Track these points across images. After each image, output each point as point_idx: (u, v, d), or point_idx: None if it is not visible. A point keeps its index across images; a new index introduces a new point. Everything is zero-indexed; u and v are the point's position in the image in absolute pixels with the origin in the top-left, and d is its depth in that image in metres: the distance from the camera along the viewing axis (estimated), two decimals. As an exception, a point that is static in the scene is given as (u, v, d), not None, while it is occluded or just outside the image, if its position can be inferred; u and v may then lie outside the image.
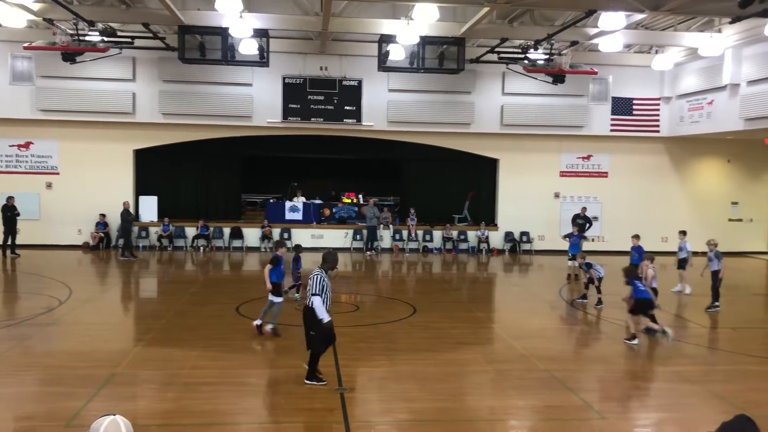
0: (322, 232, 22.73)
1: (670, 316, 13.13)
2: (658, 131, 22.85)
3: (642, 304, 10.78)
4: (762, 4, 12.80)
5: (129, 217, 20.26)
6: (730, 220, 23.86)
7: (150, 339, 10.57)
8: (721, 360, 10.30)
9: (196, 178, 23.46)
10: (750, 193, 23.93)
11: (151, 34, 18.54)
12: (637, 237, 15.60)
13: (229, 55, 18.35)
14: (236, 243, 22.28)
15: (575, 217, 21.77)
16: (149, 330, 11.16)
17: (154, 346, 10.15)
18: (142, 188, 22.56)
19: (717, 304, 13.68)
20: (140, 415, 7.24)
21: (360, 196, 23.98)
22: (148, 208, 22.37)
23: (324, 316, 8.08)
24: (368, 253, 21.85)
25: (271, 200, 24.10)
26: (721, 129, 20.05)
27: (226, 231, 22.35)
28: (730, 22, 15.54)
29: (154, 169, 22.71)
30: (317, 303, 8.07)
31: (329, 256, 8.51)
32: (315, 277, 8.21)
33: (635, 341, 10.73)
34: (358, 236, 22.43)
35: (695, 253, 16.03)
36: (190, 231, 22.22)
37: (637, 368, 9.82)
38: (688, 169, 23.72)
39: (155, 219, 22.28)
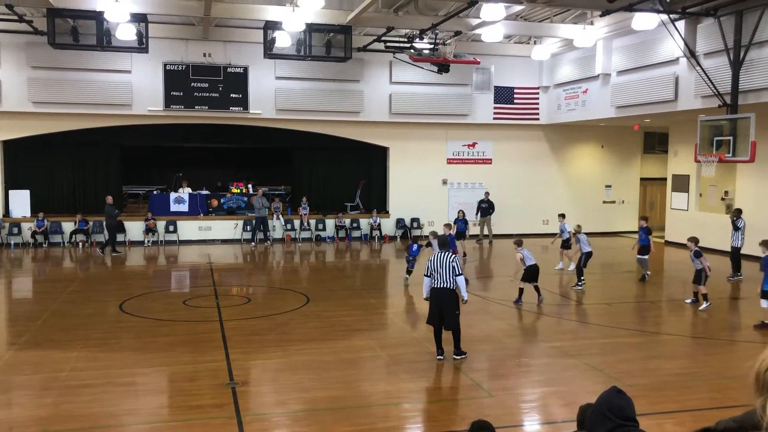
0: (210, 223, 22.13)
1: (553, 295, 13.82)
2: (537, 119, 23.88)
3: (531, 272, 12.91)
4: (628, -2, 13.63)
5: (114, 213, 19.41)
6: (604, 202, 25.36)
7: (24, 342, 9.91)
8: (597, 334, 10.95)
9: (73, 171, 22.15)
10: (622, 176, 25.54)
11: (16, 17, 17.23)
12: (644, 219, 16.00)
13: (104, 41, 17.39)
14: (118, 237, 21.24)
15: (480, 203, 22.74)
16: (23, 332, 10.45)
17: (29, 350, 9.53)
18: (11, 182, 21.04)
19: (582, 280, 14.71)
20: (15, 423, 6.78)
21: (249, 185, 23.51)
22: (20, 203, 20.90)
23: (465, 294, 9.30)
24: (253, 244, 21.46)
25: (155, 192, 23.17)
26: (595, 116, 21.25)
27: (108, 225, 21.26)
28: (601, 15, 16.43)
29: (24, 161, 21.22)
30: (463, 282, 9.14)
31: (447, 240, 10.02)
32: (456, 260, 9.05)
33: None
34: (248, 227, 22.00)
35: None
36: (68, 226, 20.96)
37: (522, 346, 10.28)
38: (566, 154, 24.96)
39: (28, 214, 20.86)
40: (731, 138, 15.22)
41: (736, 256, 15.67)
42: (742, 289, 14.85)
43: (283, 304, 12.72)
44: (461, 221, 18.92)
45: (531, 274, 13.01)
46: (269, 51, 18.52)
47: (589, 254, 14.79)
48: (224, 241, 21.87)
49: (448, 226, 14.70)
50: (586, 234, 15.38)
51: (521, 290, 13.00)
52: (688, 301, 13.09)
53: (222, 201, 22.76)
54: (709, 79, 15.88)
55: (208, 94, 20.76)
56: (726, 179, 19.72)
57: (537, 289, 12.99)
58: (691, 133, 17.68)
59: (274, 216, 22.27)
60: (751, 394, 2.00)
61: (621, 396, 2.53)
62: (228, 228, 22.17)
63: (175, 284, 16.25)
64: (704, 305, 12.57)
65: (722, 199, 20.24)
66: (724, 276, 15.60)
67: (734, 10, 15.39)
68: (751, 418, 1.98)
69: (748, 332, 11.09)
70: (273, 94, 21.27)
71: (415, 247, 15.40)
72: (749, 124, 14.66)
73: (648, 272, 15.53)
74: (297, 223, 22.66)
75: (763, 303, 11.11)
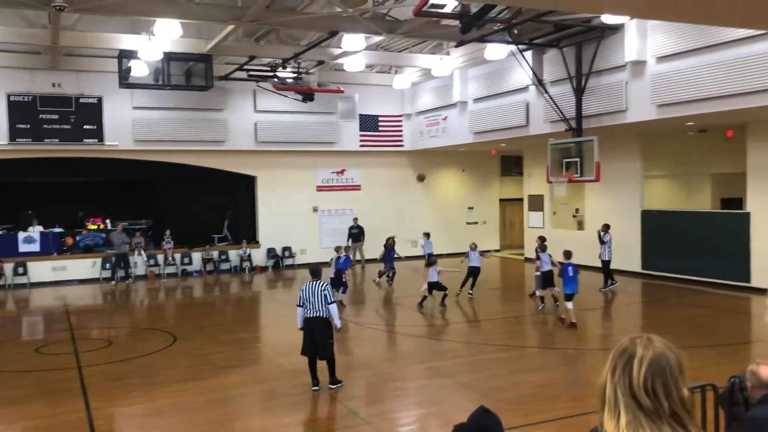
0: (64, 263, 20.65)
1: (424, 316, 14.13)
2: (402, 145, 24.55)
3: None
4: (479, 30, 14.40)
5: None
6: (467, 223, 26.37)
7: None
8: (468, 352, 11.30)
9: None
10: (482, 198, 26.74)
11: None
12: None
13: (-64, 69, 15.94)
14: (-42, 284, 19.33)
15: (350, 229, 22.84)
16: None
17: None
18: None
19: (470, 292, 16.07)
20: None
21: (108, 221, 22.25)
22: None
23: (338, 321, 9.29)
24: (113, 282, 20.28)
25: (1, 232, 21.35)
26: (455, 142, 22.15)
27: (-55, 271, 19.30)
28: (456, 46, 17.24)
29: None
30: (336, 310, 9.11)
31: (319, 268, 9.52)
32: (327, 288, 9.05)
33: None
34: (107, 265, 20.76)
35: (440, 254, 17.52)
36: None
37: (397, 369, 10.37)
38: (430, 179, 25.79)
39: None
40: (578, 159, 16.39)
41: (606, 268, 16.80)
42: (612, 298, 15.99)
43: (148, 345, 12.07)
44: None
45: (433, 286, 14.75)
46: (125, 80, 17.80)
47: (474, 270, 15.96)
48: (81, 281, 20.50)
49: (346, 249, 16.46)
50: (454, 255, 15.97)
51: (425, 297, 14.82)
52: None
53: (78, 238, 21.37)
54: (555, 105, 17.06)
55: (59, 126, 19.52)
56: (576, 198, 21.18)
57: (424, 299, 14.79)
58: (542, 156, 18.84)
59: (136, 252, 21.20)
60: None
61: (488, 415, 2.62)
62: (85, 267, 20.81)
63: (26, 331, 15.00)
64: (541, 306, 14.25)
65: (573, 216, 21.71)
66: (594, 288, 16.61)
67: (575, 42, 16.69)
68: None
69: (602, 341, 11.89)
70: (130, 125, 20.37)
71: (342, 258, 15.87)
72: (593, 147, 15.86)
73: (537, 292, 15.89)
74: (161, 258, 21.70)
75: (569, 305, 12.60)
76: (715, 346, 10.70)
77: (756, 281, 15.55)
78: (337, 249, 16.17)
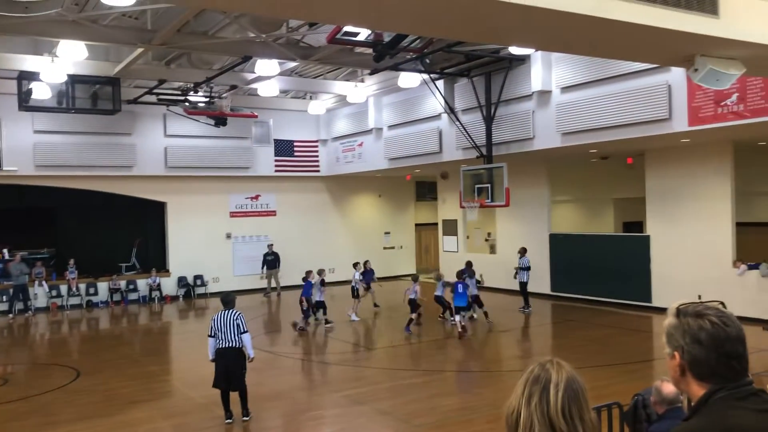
0: (-44, 296, 19.30)
1: (343, 344, 14.02)
2: (318, 171, 24.51)
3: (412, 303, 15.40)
4: (392, 59, 14.65)
5: None
6: (384, 248, 26.54)
7: None
8: (385, 377, 11.27)
9: None
10: (398, 223, 27.00)
11: None
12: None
13: None
14: None
15: (265, 255, 22.44)
16: None
17: None
18: None
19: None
20: None
21: (5, 250, 20.95)
22: None
23: (252, 351, 8.87)
24: (11, 316, 19.04)
25: None
26: (371, 168, 22.32)
27: None
28: (370, 74, 17.44)
29: None
30: (249, 340, 8.78)
31: (231, 297, 9.02)
32: (240, 317, 8.71)
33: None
34: (4, 297, 19.52)
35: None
36: None
37: (313, 398, 10.23)
38: (347, 204, 25.84)
39: None
40: (489, 185, 16.83)
41: (524, 291, 17.21)
42: (526, 320, 16.37)
43: (48, 382, 11.39)
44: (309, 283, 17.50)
45: (412, 305, 15.35)
46: (25, 103, 16.96)
47: (411, 301, 15.68)
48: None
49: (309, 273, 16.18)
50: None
51: (410, 320, 15.15)
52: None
53: (-29, 270, 20.02)
54: (467, 132, 17.51)
55: (-50, 150, 18.33)
56: (488, 222, 21.71)
57: (418, 317, 15.36)
58: (455, 182, 19.24)
59: (36, 283, 20.06)
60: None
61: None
62: (-21, 300, 19.49)
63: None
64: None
65: (486, 240, 22.22)
66: (506, 310, 16.97)
67: (484, 72, 17.24)
68: None
69: (516, 362, 12.14)
70: (31, 149, 19.39)
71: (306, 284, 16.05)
72: (503, 173, 16.34)
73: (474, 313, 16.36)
74: (64, 288, 20.62)
75: (457, 318, 14.23)
76: (620, 365, 11.14)
77: (656, 301, 16.34)
78: (307, 273, 16.22)
